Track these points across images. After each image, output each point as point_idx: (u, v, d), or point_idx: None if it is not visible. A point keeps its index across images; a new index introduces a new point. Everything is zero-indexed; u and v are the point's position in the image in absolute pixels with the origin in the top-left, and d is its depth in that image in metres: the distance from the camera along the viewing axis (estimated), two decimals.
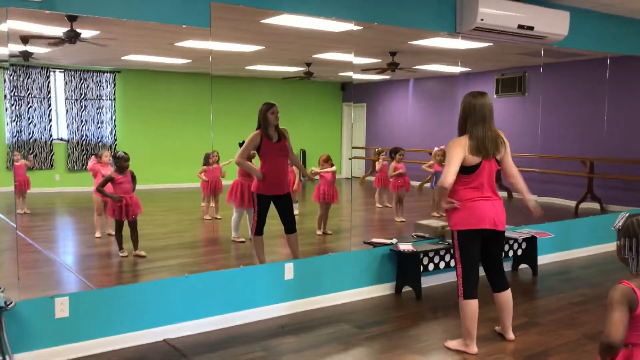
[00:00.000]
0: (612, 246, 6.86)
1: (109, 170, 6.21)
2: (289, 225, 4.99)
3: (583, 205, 8.59)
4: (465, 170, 3.59)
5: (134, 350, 3.78)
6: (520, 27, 5.41)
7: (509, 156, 3.74)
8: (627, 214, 2.18)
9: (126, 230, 5.48)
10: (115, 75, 9.16)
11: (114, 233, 5.72)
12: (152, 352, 3.78)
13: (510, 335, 3.96)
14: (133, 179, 5.61)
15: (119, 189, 5.47)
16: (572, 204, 8.69)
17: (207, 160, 6.95)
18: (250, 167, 5.04)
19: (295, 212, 5.22)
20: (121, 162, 5.50)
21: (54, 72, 8.85)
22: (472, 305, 3.69)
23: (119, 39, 5.85)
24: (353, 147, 10.76)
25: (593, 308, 4.69)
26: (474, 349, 3.74)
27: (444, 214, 3.84)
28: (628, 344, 2.12)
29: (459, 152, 3.55)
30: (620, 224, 2.17)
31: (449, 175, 3.52)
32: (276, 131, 4.89)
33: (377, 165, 8.36)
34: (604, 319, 2.01)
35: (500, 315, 3.94)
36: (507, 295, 3.87)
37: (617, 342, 1.98)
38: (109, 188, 5.49)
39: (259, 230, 4.95)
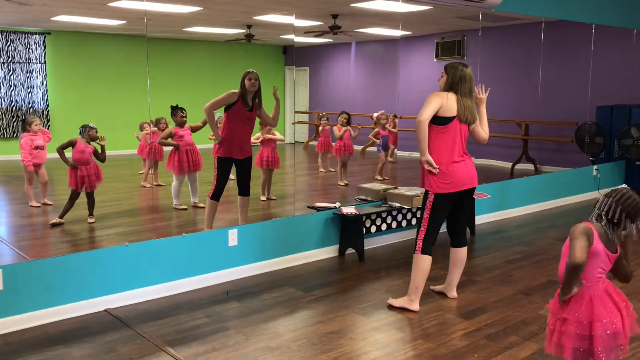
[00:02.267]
0: (545, 205, 7.17)
1: (40, 140, 5.96)
2: (245, 188, 5.09)
3: (518, 166, 8.90)
4: (440, 121, 3.69)
5: (75, 321, 3.70)
6: None
7: (479, 127, 3.88)
8: (626, 186, 2.44)
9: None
10: (45, 37, 8.72)
11: (50, 203, 5.55)
12: (94, 322, 3.70)
13: (454, 293, 4.10)
14: (96, 155, 5.48)
15: (78, 156, 5.35)
16: (508, 165, 8.99)
17: (157, 125, 6.78)
18: (213, 121, 5.02)
19: (232, 176, 5.21)
20: (90, 134, 5.40)
21: None
22: (427, 261, 3.82)
23: None
24: (296, 112, 10.71)
25: (527, 265, 4.90)
26: (416, 305, 3.85)
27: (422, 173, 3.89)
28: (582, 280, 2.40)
29: (437, 98, 3.69)
30: (617, 190, 2.40)
31: (425, 111, 3.63)
32: (252, 100, 4.90)
33: (319, 129, 8.37)
34: (536, 275, 2.16)
35: (451, 272, 4.08)
36: (464, 252, 4.04)
37: (581, 262, 2.28)
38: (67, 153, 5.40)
39: (216, 194, 4.97)
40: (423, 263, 3.82)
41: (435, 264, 4.10)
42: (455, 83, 3.74)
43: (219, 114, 5.35)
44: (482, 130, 3.89)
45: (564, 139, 8.64)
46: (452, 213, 3.94)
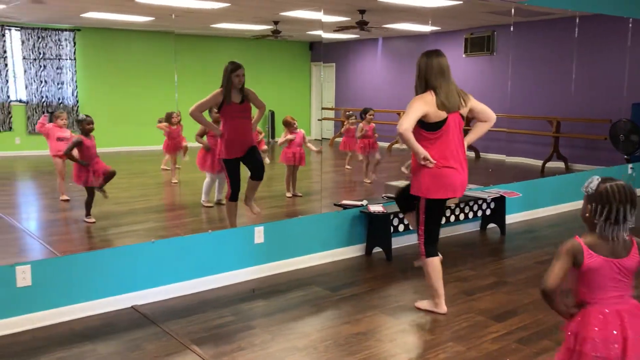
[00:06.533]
0: (577, 204, 6.97)
1: (65, 133, 5.99)
2: (257, 172, 4.89)
3: (549, 164, 8.70)
4: (431, 127, 3.50)
5: (101, 318, 3.70)
6: None
7: (478, 103, 3.65)
8: (599, 178, 2.13)
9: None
10: (75, 34, 8.80)
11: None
12: (120, 319, 3.70)
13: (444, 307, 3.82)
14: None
15: (87, 153, 5.29)
16: (539, 163, 8.79)
17: (169, 119, 6.74)
18: (204, 120, 4.87)
19: (267, 160, 5.10)
20: (84, 125, 5.27)
21: (10, 30, 8.44)
22: (435, 263, 3.70)
23: None
24: (322, 108, 10.65)
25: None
26: (443, 307, 3.76)
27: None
28: (585, 302, 2.15)
29: (420, 104, 3.45)
30: (592, 187, 2.12)
31: (405, 121, 3.38)
32: (240, 93, 4.72)
33: (343, 128, 8.27)
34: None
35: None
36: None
37: (549, 288, 2.11)
38: (74, 153, 5.29)
39: (233, 196, 4.87)
40: (432, 266, 3.70)
41: (463, 264, 4.00)
42: (422, 75, 3.52)
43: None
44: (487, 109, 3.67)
45: (597, 137, 8.40)
46: None
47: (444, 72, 3.52)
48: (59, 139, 5.92)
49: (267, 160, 6.91)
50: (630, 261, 2.11)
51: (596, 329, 2.08)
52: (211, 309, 3.86)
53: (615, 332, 2.07)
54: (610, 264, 2.09)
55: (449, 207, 5.42)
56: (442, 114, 3.48)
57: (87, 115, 5.33)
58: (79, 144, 5.22)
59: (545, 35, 8.84)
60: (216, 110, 5.16)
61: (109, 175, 5.33)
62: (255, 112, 4.91)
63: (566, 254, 2.10)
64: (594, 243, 2.10)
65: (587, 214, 2.15)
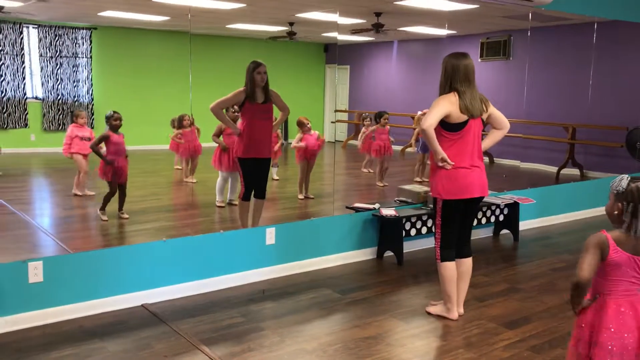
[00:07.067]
0: (591, 212, 6.90)
1: (87, 132, 6.04)
2: (261, 191, 4.90)
3: (564, 171, 8.62)
4: (452, 127, 3.50)
5: (111, 316, 3.71)
6: None
7: (495, 110, 3.66)
8: (629, 177, 2.22)
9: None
10: (91, 32, 8.86)
11: (92, 193, 5.51)
12: (130, 317, 3.70)
13: (460, 310, 3.79)
14: None
15: (113, 148, 5.28)
16: (554, 169, 8.71)
17: (180, 124, 6.76)
18: (225, 118, 4.84)
19: (275, 177, 5.12)
20: (111, 121, 5.27)
21: (27, 27, 8.52)
22: (450, 268, 3.66)
23: None
24: (336, 110, 10.63)
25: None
26: (454, 314, 3.72)
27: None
28: (600, 293, 2.25)
29: (445, 104, 3.46)
30: (622, 186, 2.20)
31: (429, 117, 3.40)
32: (263, 92, 4.70)
33: (361, 133, 8.25)
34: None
35: (457, 285, 3.76)
36: (470, 263, 3.78)
37: (584, 280, 2.18)
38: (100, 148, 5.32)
39: (245, 195, 4.85)
40: (447, 271, 3.66)
41: (476, 270, 3.96)
42: (448, 77, 3.52)
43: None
44: (502, 117, 3.67)
45: (613, 144, 8.31)
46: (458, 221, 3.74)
47: (469, 77, 3.53)
48: (81, 138, 5.97)
49: (275, 176, 6.89)
50: None
51: (612, 319, 2.18)
52: (221, 309, 3.85)
53: (629, 323, 2.17)
54: (632, 260, 2.19)
55: (481, 209, 5.38)
56: (464, 117, 3.49)
57: (115, 112, 5.33)
58: (105, 139, 5.25)
59: (563, 40, 8.76)
60: (233, 110, 5.15)
61: (122, 196, 5.37)
62: (278, 114, 4.91)
63: (595, 246, 2.18)
64: (620, 239, 2.19)
65: (616, 212, 2.23)
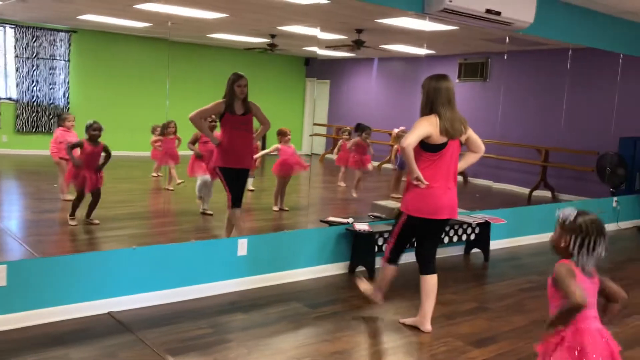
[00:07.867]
0: None
1: (74, 137, 5.94)
2: (237, 200, 4.88)
3: (536, 193, 8.75)
4: (431, 148, 3.60)
5: (76, 322, 3.64)
6: (488, 11, 5.37)
7: (473, 133, 3.77)
8: (575, 211, 2.28)
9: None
10: (70, 35, 8.77)
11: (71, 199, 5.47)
12: (96, 324, 3.64)
13: (428, 327, 3.80)
14: (107, 155, 5.32)
15: (85, 158, 5.21)
16: (526, 191, 8.84)
17: (165, 128, 6.72)
18: (204, 127, 4.85)
19: (251, 187, 5.12)
20: (88, 131, 5.22)
21: (4, 27, 8.40)
22: (392, 269, 3.93)
23: None
24: (314, 124, 10.66)
25: (541, 295, 4.74)
26: (427, 327, 3.78)
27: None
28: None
29: (426, 125, 3.56)
30: (570, 220, 2.27)
31: (410, 137, 3.51)
32: (243, 104, 4.73)
33: (338, 145, 8.30)
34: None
35: (423, 303, 3.79)
36: (435, 280, 3.81)
37: (585, 303, 2.17)
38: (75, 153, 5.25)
39: (235, 202, 4.83)
40: (390, 271, 3.94)
41: (445, 288, 3.99)
42: (429, 99, 3.61)
43: None
44: (479, 140, 3.81)
45: (584, 168, 8.48)
46: (422, 239, 3.84)
47: (450, 99, 3.63)
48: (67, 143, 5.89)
49: (250, 187, 6.88)
50: (596, 285, 2.33)
51: (593, 348, 2.22)
52: (189, 319, 3.81)
53: (603, 347, 2.24)
54: (591, 284, 2.28)
55: (453, 227, 5.48)
56: (444, 139, 3.59)
57: (95, 122, 5.26)
58: (79, 146, 5.20)
59: (538, 65, 8.94)
60: (210, 119, 5.14)
61: (93, 203, 5.31)
62: (259, 125, 4.92)
63: (569, 273, 2.21)
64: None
65: (563, 244, 2.29)
